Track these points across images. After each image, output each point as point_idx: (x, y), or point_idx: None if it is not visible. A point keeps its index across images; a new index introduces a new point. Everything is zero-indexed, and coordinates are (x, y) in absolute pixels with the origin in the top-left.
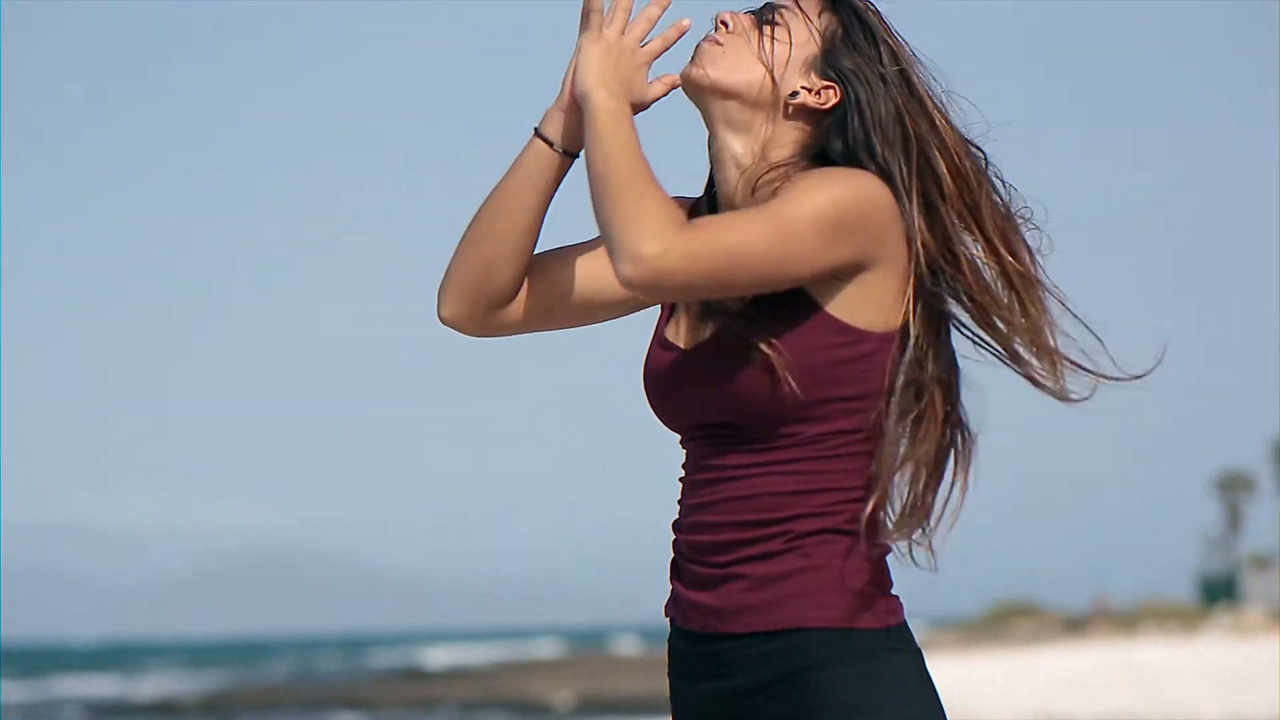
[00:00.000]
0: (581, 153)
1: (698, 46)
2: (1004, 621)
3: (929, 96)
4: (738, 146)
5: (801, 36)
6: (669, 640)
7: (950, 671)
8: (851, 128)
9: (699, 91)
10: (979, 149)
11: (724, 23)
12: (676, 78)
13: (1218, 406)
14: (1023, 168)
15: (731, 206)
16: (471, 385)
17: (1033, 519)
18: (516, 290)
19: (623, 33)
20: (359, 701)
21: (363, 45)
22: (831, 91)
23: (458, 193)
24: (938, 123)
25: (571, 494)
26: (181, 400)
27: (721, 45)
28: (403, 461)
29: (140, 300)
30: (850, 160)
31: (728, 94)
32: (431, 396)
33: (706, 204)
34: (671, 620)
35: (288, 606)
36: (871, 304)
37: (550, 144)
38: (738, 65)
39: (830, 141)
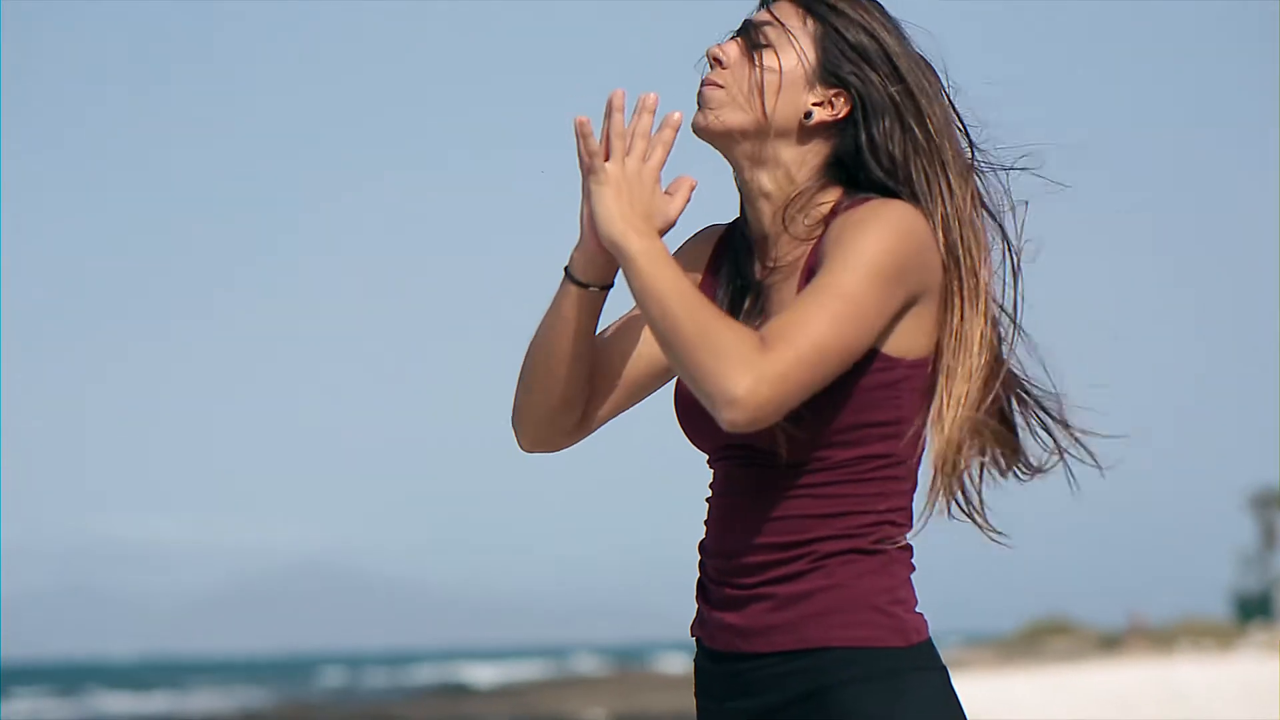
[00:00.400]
0: (618, 278)
1: (699, 92)
2: (1039, 639)
3: (916, 82)
4: (764, 180)
5: (792, 54)
6: (695, 660)
7: (985, 689)
8: (859, 132)
9: (713, 138)
10: (969, 138)
11: (717, 60)
12: (693, 180)
13: (1251, 423)
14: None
15: (764, 241)
16: (509, 400)
17: (1067, 536)
18: (584, 406)
19: (624, 160)
20: (401, 718)
21: (363, 45)
22: (842, 99)
23: (457, 193)
24: (924, 110)
25: (618, 509)
26: (193, 407)
27: (722, 85)
28: (442, 477)
29: (140, 300)
30: (860, 165)
31: (742, 134)
32: (470, 409)
33: (740, 235)
34: (698, 640)
35: (328, 623)
36: (913, 333)
37: (585, 286)
38: (743, 103)
39: (844, 149)
